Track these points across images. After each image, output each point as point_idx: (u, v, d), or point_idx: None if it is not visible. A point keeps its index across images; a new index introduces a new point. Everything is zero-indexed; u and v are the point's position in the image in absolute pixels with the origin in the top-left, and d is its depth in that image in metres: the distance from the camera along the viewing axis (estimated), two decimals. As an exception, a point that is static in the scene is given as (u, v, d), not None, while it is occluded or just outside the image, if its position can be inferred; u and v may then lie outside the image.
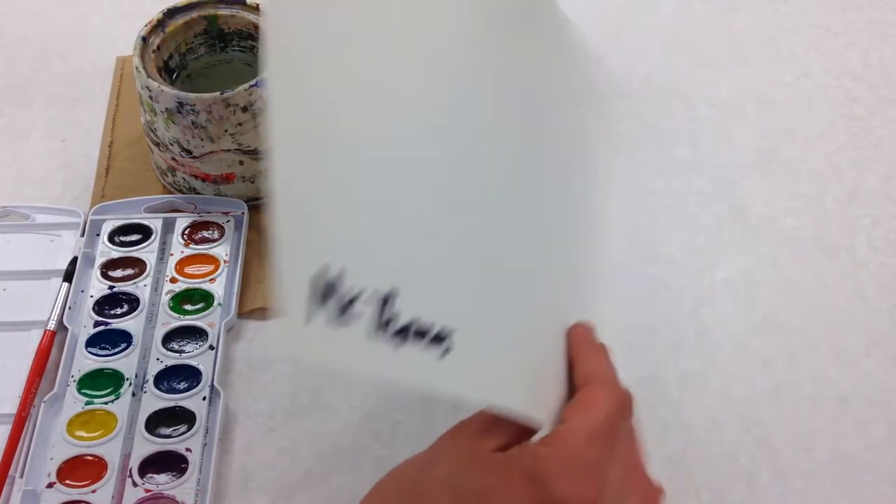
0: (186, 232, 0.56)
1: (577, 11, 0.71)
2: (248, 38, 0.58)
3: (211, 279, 0.54)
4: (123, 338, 0.51)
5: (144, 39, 0.54)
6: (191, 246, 0.55)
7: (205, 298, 0.53)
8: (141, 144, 0.60)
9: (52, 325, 0.52)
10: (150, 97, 0.53)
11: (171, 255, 0.55)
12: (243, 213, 0.57)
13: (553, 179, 0.44)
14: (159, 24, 0.55)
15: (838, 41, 0.69)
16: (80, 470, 0.47)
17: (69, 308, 0.53)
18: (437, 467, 0.31)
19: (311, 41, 0.35)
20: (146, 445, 0.47)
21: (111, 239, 0.56)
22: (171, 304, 0.53)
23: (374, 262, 0.34)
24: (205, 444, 0.48)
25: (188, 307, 0.53)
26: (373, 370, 0.33)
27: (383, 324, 0.32)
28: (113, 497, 0.46)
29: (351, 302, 0.32)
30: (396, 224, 0.35)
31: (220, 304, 0.53)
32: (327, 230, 0.34)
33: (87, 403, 0.49)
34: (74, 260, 0.55)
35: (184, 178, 0.57)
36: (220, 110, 0.52)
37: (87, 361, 0.50)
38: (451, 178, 0.37)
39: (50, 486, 0.46)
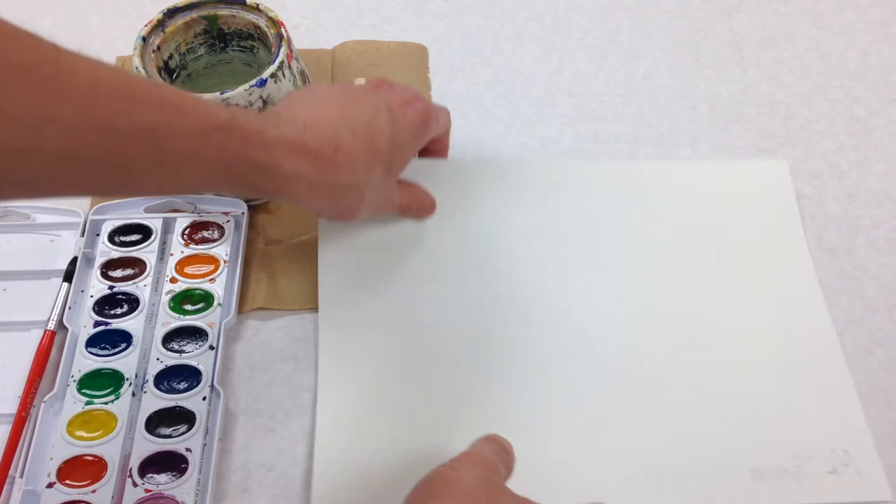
0: (186, 232, 0.56)
1: (578, 11, 0.71)
2: (248, 38, 0.58)
3: (211, 279, 0.54)
4: (123, 338, 0.51)
5: (144, 39, 0.54)
6: (191, 246, 0.55)
7: (205, 298, 0.53)
8: (141, 144, 0.60)
9: (52, 325, 0.52)
10: (150, 97, 0.53)
11: (171, 255, 0.55)
12: (243, 213, 0.57)
13: None
14: (159, 24, 0.55)
15: (838, 41, 0.69)
16: (80, 470, 0.47)
17: (69, 308, 0.53)
18: (506, 502, 0.39)
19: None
20: (146, 445, 0.47)
21: (111, 239, 0.56)
22: (171, 304, 0.53)
23: None
24: (205, 444, 0.48)
25: (188, 307, 0.53)
26: None
27: None
28: (113, 497, 0.46)
29: None
30: None
31: (220, 304, 0.53)
32: None
33: (87, 403, 0.49)
34: (74, 260, 0.55)
35: (184, 178, 0.57)
36: (220, 110, 0.52)
37: (87, 361, 0.50)
38: None
39: (50, 486, 0.46)
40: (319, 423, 0.48)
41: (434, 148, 0.56)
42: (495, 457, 0.42)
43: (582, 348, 0.51)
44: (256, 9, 0.56)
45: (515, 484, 0.41)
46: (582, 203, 0.57)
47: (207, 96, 0.51)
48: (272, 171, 0.41)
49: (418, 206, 0.55)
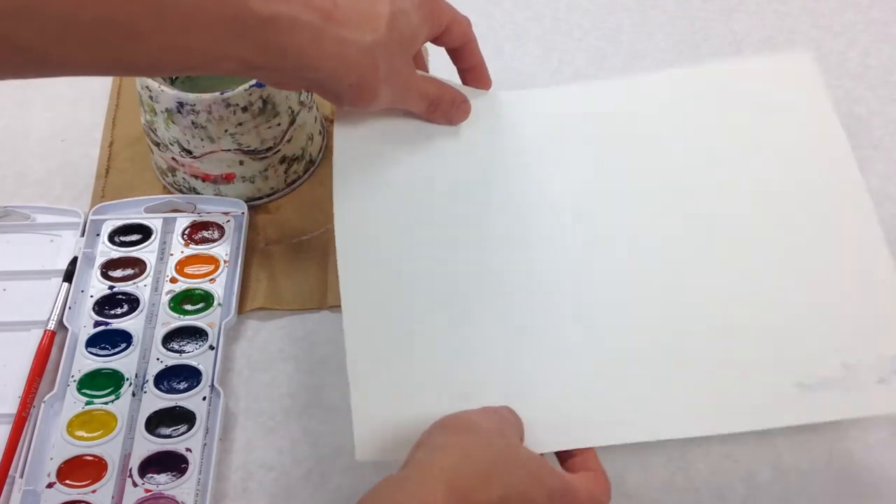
0: (186, 232, 0.56)
1: (578, 11, 0.71)
2: (248, 38, 0.57)
3: (211, 279, 0.54)
4: (123, 338, 0.51)
5: (144, 39, 0.54)
6: (191, 246, 0.56)
7: (205, 298, 0.53)
8: (141, 144, 0.60)
9: (52, 325, 0.52)
10: (150, 97, 0.53)
11: (171, 255, 0.55)
12: (243, 213, 0.57)
13: None
14: (159, 24, 0.55)
15: (838, 41, 0.69)
16: (80, 470, 0.47)
17: (69, 308, 0.53)
18: (520, 449, 0.39)
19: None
20: (146, 445, 0.47)
21: (111, 239, 0.56)
22: (171, 304, 0.53)
23: None
24: (205, 444, 0.48)
25: (188, 307, 0.53)
26: None
27: None
28: (113, 497, 0.46)
29: None
30: None
31: (220, 304, 0.53)
32: None
33: (87, 403, 0.49)
34: (74, 260, 0.55)
35: (184, 178, 0.57)
36: (220, 110, 0.52)
37: (87, 361, 0.50)
38: None
39: (50, 486, 0.46)
40: (350, 363, 0.45)
41: (468, 66, 0.52)
42: (508, 415, 0.42)
43: (615, 267, 0.48)
44: (256, 9, 0.56)
45: (541, 410, 0.43)
46: (602, 120, 0.53)
47: (207, 97, 0.51)
48: (275, 21, 0.40)
49: (449, 101, 0.50)
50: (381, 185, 0.49)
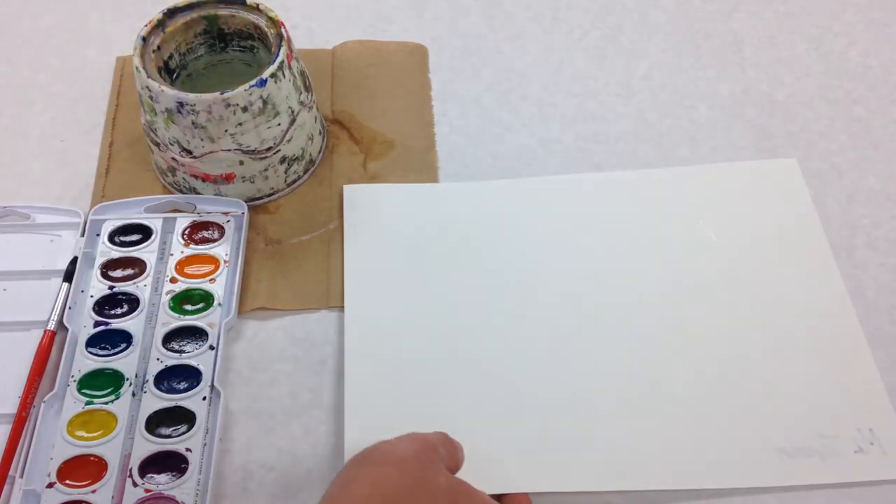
0: (186, 232, 0.56)
1: (578, 11, 0.71)
2: (248, 38, 0.58)
3: (211, 279, 0.54)
4: (123, 338, 0.51)
5: (144, 39, 0.54)
6: (191, 246, 0.55)
7: (205, 298, 0.53)
8: (141, 144, 0.60)
9: (52, 325, 0.52)
10: (150, 97, 0.53)
11: (171, 255, 0.55)
12: (243, 213, 0.57)
13: None
14: (159, 24, 0.55)
15: (838, 41, 0.69)
16: (80, 470, 0.47)
17: (69, 308, 0.53)
18: (438, 476, 0.41)
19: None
20: (146, 445, 0.47)
21: (111, 239, 0.56)
22: (171, 304, 0.53)
23: None
24: (205, 444, 0.48)
25: (188, 307, 0.53)
26: None
27: None
28: (113, 497, 0.46)
29: None
30: None
31: (220, 304, 0.53)
32: None
33: (87, 403, 0.49)
34: (74, 260, 0.55)
35: (184, 178, 0.57)
36: (220, 110, 0.52)
37: (87, 361, 0.50)
38: None
39: (50, 486, 0.46)
40: (348, 412, 0.50)
41: None
42: (437, 441, 0.44)
43: (611, 338, 0.52)
44: (256, 9, 0.56)
45: (534, 463, 0.46)
46: (599, 212, 0.58)
47: (207, 97, 0.51)
48: None
49: None
50: (386, 258, 0.56)
